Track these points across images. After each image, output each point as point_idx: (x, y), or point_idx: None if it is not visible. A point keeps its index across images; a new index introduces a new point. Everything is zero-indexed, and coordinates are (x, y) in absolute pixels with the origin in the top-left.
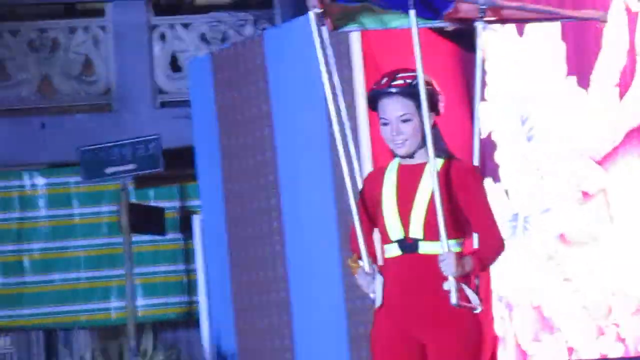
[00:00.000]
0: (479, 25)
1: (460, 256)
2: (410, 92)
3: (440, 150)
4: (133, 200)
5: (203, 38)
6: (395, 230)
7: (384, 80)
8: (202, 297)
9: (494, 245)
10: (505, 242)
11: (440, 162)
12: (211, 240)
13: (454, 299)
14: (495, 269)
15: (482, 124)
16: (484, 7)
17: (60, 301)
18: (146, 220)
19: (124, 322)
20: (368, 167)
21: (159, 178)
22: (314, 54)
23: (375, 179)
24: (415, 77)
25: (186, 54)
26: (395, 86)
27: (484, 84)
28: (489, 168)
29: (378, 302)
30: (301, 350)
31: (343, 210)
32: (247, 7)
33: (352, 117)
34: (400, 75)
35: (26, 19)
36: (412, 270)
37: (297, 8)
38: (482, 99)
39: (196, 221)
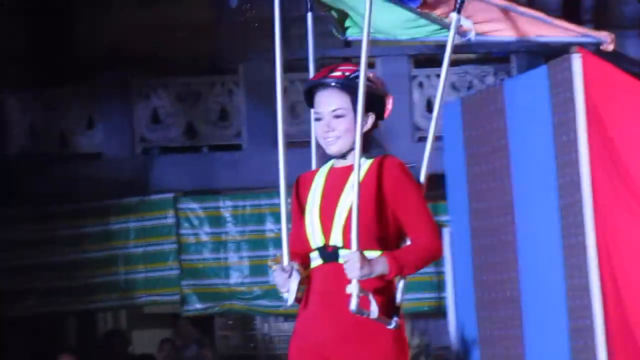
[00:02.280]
0: (453, 15)
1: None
2: (347, 84)
3: (378, 155)
4: None
5: (453, 86)
6: (316, 237)
7: (322, 72)
8: (449, 294)
9: (421, 246)
10: (440, 247)
11: (368, 162)
12: (457, 248)
13: (353, 305)
14: None
15: None
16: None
17: None
18: None
19: None
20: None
21: None
22: (544, 99)
23: (304, 183)
24: (355, 71)
25: None
26: (332, 77)
27: None
28: None
29: (290, 301)
30: (530, 338)
31: (567, 226)
32: (489, 62)
33: (574, 149)
34: (341, 67)
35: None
36: (330, 281)
37: (529, 63)
38: None
39: (446, 233)
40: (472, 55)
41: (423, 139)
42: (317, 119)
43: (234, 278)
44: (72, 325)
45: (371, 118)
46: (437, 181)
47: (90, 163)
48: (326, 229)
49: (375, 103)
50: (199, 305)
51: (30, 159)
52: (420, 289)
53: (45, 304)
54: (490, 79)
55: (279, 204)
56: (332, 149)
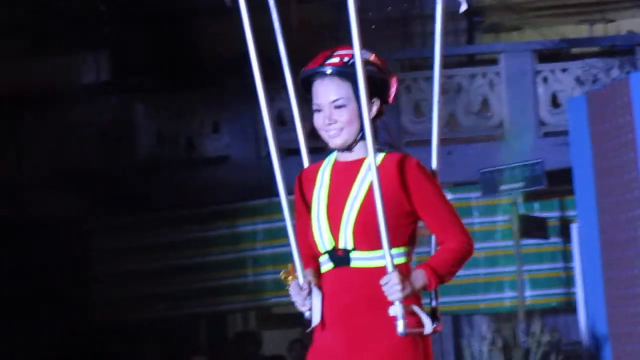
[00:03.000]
0: None
1: (406, 273)
2: (346, 72)
3: (385, 144)
4: (522, 211)
5: (578, 80)
6: (325, 239)
7: (318, 58)
8: (579, 289)
9: (454, 249)
10: (471, 243)
11: (380, 156)
12: (586, 243)
13: (401, 328)
14: None
15: None
16: None
17: (464, 292)
18: (532, 227)
19: (516, 309)
20: None
21: (543, 193)
22: None
23: (308, 179)
24: (354, 55)
25: (564, 93)
26: (330, 65)
27: None
28: None
29: (315, 321)
30: None
31: None
32: (614, 54)
33: None
34: (338, 52)
35: None
36: (342, 286)
37: None
38: None
39: (574, 228)
40: (596, 48)
41: (549, 134)
42: (317, 110)
43: None
44: (204, 327)
45: (376, 104)
46: (564, 176)
47: (216, 167)
48: (335, 231)
49: (379, 87)
50: None
51: (158, 164)
52: (549, 285)
53: (176, 307)
54: (616, 72)
55: None
56: (335, 142)
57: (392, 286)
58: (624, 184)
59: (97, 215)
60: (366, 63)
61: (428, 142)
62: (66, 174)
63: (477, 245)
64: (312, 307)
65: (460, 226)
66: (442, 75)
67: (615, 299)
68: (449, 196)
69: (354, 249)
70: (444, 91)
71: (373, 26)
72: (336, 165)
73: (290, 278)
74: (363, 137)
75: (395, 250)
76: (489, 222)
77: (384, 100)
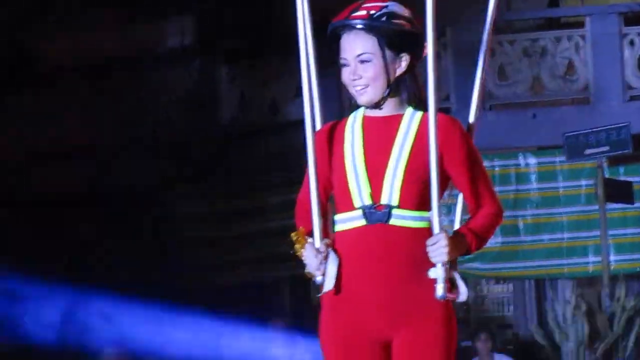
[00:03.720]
0: None
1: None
2: (372, 25)
3: (417, 100)
4: (607, 175)
5: None
6: (362, 194)
7: (344, 12)
8: None
9: (491, 215)
10: (503, 211)
11: (418, 115)
12: None
13: (440, 291)
14: None
15: None
16: None
17: (548, 257)
18: (617, 191)
19: (600, 274)
20: None
21: (628, 157)
22: None
23: (334, 135)
24: (381, 8)
25: None
26: (355, 18)
27: None
28: None
29: (329, 286)
30: None
31: None
32: None
33: None
34: (365, 5)
35: (521, 31)
36: (378, 245)
37: None
38: None
39: None
40: None
41: (635, 98)
42: (343, 65)
43: None
44: (286, 291)
45: (405, 60)
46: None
47: (300, 130)
48: (375, 187)
49: (409, 42)
50: None
51: (241, 129)
52: (634, 250)
53: (256, 271)
54: None
55: (496, 166)
56: (362, 100)
57: (438, 247)
58: None
59: (182, 181)
60: (394, 16)
61: (512, 105)
62: (151, 139)
63: (561, 210)
64: (327, 272)
65: (494, 193)
66: (490, 34)
67: None
68: (533, 160)
69: (398, 207)
70: (528, 54)
71: None
72: (367, 120)
73: (301, 240)
74: (393, 94)
75: (427, 213)
76: (573, 187)
77: (415, 55)
